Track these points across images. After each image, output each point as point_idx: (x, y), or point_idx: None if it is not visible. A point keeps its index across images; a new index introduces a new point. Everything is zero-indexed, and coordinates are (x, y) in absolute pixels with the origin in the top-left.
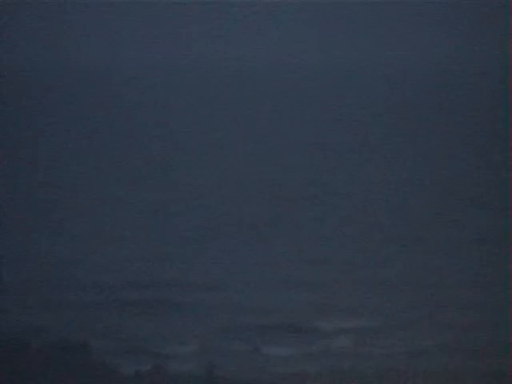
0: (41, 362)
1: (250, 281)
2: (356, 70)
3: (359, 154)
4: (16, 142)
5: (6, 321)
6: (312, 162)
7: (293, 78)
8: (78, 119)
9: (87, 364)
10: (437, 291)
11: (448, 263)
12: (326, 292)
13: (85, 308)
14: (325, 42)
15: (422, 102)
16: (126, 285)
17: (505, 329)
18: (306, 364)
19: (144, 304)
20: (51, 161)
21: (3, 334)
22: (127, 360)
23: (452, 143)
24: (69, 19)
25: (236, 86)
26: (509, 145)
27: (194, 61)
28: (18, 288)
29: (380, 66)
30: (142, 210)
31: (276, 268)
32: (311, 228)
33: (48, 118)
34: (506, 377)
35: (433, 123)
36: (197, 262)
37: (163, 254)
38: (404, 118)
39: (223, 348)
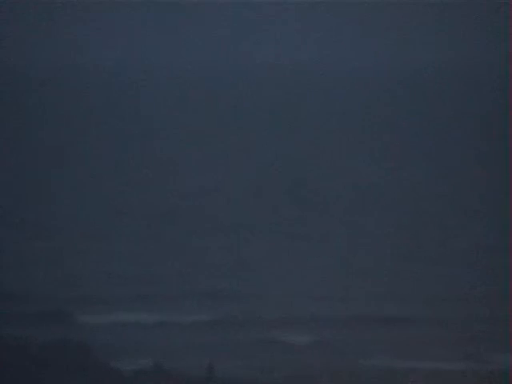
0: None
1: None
2: (361, 73)
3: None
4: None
5: None
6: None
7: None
8: (77, 123)
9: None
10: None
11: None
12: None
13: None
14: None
15: (421, 104)
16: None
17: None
18: None
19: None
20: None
21: None
22: None
23: (452, 146)
24: (71, 19)
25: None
26: (509, 147)
27: (208, 63)
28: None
29: (381, 67)
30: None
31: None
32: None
33: (48, 119)
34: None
35: (433, 126)
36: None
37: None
38: (403, 121)
39: None
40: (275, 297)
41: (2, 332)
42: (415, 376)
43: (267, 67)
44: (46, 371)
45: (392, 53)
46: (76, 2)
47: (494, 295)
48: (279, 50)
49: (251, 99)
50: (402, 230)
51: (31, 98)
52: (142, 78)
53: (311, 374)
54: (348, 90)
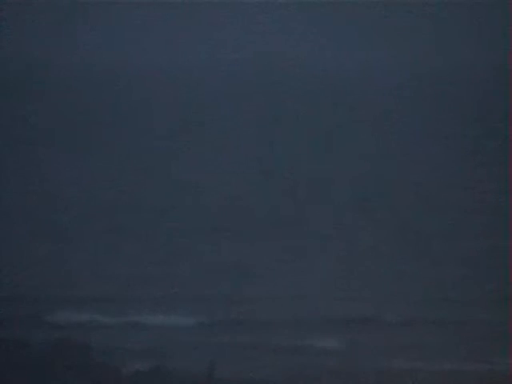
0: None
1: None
2: (363, 74)
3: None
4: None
5: None
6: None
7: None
8: (76, 122)
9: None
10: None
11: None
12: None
13: None
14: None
15: (421, 104)
16: None
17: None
18: None
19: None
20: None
21: None
22: None
23: (452, 146)
24: (75, 18)
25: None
26: (509, 146)
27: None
28: None
29: (381, 67)
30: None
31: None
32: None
33: (47, 119)
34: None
35: (433, 127)
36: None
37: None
38: (404, 121)
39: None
40: (275, 298)
41: (2, 332)
42: (415, 376)
43: (267, 67)
44: (46, 371)
45: (392, 53)
46: (76, 2)
47: (494, 296)
48: (279, 50)
49: (250, 99)
50: (402, 230)
51: (31, 98)
52: (142, 78)
53: (314, 375)
54: (347, 89)
